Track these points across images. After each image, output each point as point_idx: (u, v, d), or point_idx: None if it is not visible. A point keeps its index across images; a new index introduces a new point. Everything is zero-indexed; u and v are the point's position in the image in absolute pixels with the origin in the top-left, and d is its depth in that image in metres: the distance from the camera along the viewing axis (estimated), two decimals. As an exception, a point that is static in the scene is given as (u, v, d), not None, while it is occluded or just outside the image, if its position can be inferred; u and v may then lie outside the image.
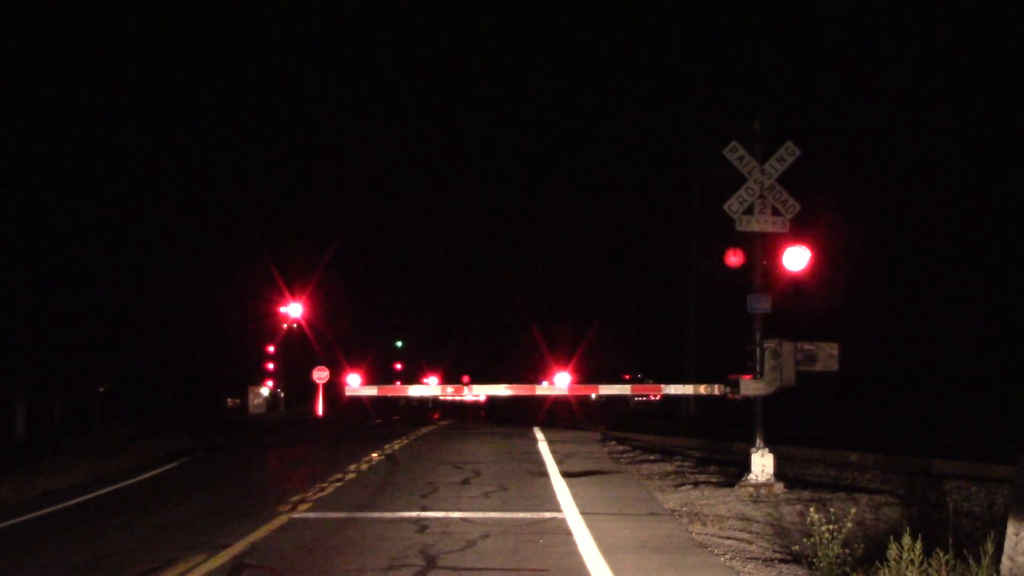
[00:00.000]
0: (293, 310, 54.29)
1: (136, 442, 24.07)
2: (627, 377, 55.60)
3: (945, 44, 39.55)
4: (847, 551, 7.70)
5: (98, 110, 34.90)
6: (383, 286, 76.27)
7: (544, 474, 15.39)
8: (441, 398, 57.35)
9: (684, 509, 11.47)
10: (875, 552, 7.60)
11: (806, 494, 12.53)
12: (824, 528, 7.84)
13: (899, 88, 40.82)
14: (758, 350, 13.62)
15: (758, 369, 13.61)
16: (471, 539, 9.56)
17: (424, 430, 28.79)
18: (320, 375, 44.37)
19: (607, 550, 8.90)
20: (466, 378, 49.91)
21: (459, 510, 11.51)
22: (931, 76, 39.95)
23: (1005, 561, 6.66)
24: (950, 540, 7.07)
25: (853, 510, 9.68)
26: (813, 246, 13.75)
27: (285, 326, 56.30)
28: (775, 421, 19.51)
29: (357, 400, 48.52)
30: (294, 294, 53.82)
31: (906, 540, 6.97)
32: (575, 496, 12.58)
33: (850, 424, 27.19)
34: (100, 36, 36.50)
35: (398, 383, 58.15)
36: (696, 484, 13.71)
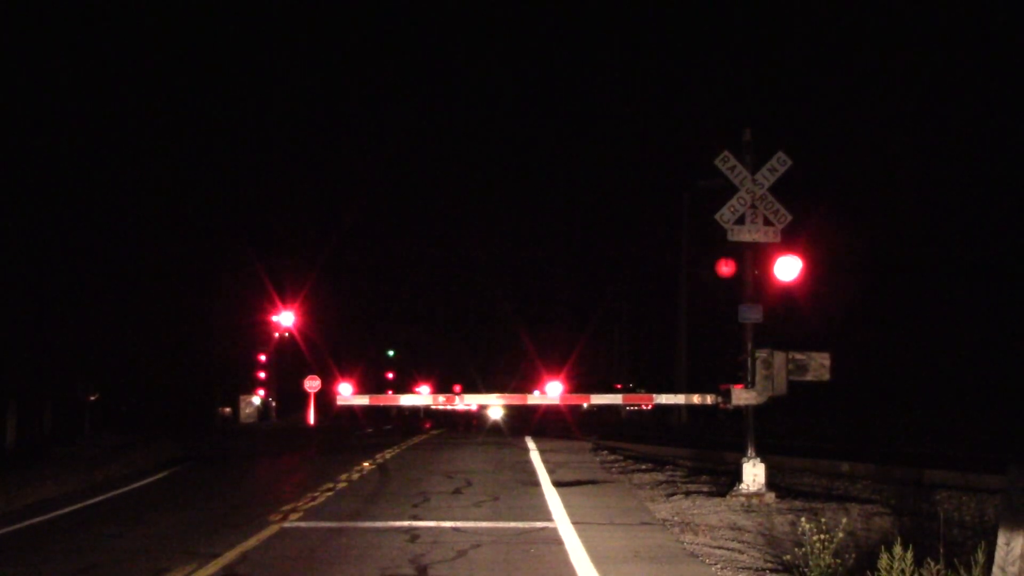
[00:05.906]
0: (285, 319, 54.19)
1: (127, 451, 23.96)
2: (618, 386, 55.63)
3: (938, 53, 39.76)
4: (838, 561, 7.71)
5: (90, 128, 34.97)
6: (375, 295, 76.42)
7: (536, 483, 15.37)
8: (432, 407, 57.33)
9: (676, 519, 11.46)
10: (866, 562, 7.61)
11: (798, 504, 12.53)
12: (815, 538, 7.85)
13: (891, 97, 41.02)
14: (749, 360, 13.63)
15: (749, 379, 13.63)
16: (462, 549, 9.54)
17: (415, 439, 28.75)
18: (311, 384, 44.34)
19: (598, 560, 8.89)
20: (458, 387, 49.86)
21: (450, 520, 11.49)
22: (924, 85, 40.18)
23: (996, 571, 6.66)
24: (941, 550, 7.08)
25: (844, 520, 9.71)
26: (805, 256, 13.77)
27: (276, 335, 56.25)
28: (767, 431, 19.53)
29: (348, 409, 48.48)
30: (285, 303, 53.74)
31: (897, 550, 6.98)
32: (567, 506, 12.56)
33: (842, 434, 27.25)
34: (79, 43, 36.55)
35: (390, 392, 58.13)
36: (688, 494, 13.70)
